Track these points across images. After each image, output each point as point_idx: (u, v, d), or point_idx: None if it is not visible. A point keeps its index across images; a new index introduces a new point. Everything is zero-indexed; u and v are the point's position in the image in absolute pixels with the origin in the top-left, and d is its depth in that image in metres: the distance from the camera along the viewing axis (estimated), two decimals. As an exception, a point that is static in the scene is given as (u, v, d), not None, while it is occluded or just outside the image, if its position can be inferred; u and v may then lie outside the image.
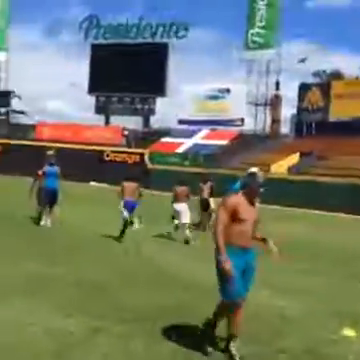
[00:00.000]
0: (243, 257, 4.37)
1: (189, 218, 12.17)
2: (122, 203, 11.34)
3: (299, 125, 42.43)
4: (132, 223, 11.68)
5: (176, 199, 12.26)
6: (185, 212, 12.14)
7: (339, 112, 38.59)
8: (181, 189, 12.33)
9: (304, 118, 41.66)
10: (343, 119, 38.32)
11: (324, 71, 50.11)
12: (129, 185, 11.43)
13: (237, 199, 4.36)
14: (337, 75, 48.13)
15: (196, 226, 14.46)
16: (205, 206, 14.69)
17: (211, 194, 14.82)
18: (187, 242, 11.78)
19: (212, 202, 14.63)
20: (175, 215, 12.41)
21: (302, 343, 4.74)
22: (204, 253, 10.03)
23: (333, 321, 5.88)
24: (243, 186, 4.40)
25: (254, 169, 4.43)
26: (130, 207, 11.39)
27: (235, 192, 4.43)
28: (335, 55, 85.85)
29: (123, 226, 11.28)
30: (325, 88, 40.78)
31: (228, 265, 4.20)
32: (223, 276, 4.28)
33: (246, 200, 4.36)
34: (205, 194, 14.79)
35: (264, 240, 4.60)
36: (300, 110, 42.03)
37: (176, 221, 12.37)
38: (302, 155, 35.68)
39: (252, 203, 4.40)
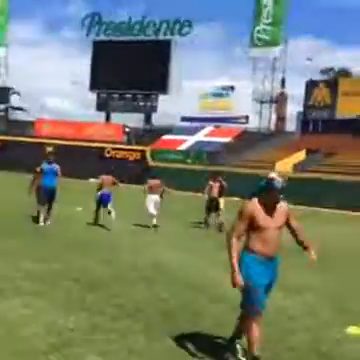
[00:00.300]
0: (270, 266, 4.26)
1: (154, 209, 13.51)
2: (99, 194, 13.08)
3: (305, 122, 42.49)
4: (109, 213, 12.94)
5: (149, 191, 13.63)
6: (155, 202, 13.59)
7: (346, 110, 38.52)
8: (153, 182, 13.75)
9: (310, 115, 41.63)
10: (350, 117, 38.12)
11: (331, 68, 49.95)
12: (107, 178, 13.27)
13: (253, 207, 4.19)
14: (344, 73, 47.95)
15: (205, 224, 14.36)
16: (215, 205, 14.14)
17: (220, 193, 14.30)
18: (155, 226, 13.32)
19: (222, 202, 14.24)
20: (147, 204, 13.65)
21: (308, 342, 4.72)
22: (207, 252, 10.24)
23: (339, 319, 5.84)
24: (260, 192, 4.22)
25: (273, 174, 4.22)
26: (106, 198, 13.02)
27: (256, 196, 4.25)
28: (343, 52, 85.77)
29: (95, 214, 13.17)
30: (332, 85, 40.84)
31: (239, 280, 4.12)
32: (246, 287, 4.19)
33: (264, 207, 4.19)
34: (215, 193, 14.23)
35: (306, 249, 4.47)
36: (306, 107, 42.09)
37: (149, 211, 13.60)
38: (308, 152, 35.74)
39: (272, 209, 4.21)
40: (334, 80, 43.00)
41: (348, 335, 5.33)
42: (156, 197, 13.61)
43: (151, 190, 13.58)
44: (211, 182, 14.39)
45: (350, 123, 37.56)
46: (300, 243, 4.46)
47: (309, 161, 34.05)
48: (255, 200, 4.21)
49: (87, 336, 4.78)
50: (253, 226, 4.17)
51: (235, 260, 4.13)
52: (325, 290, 7.39)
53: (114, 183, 13.35)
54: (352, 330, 5.44)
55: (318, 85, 41.93)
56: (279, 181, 4.12)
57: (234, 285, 4.15)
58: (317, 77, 44.68)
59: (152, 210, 13.45)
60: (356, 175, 27.81)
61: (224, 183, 14.43)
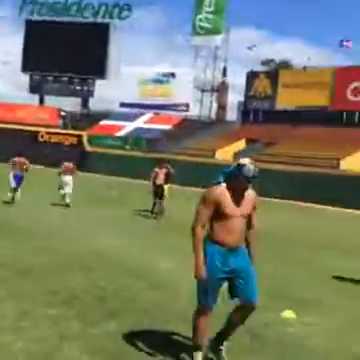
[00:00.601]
0: (232, 256, 4.00)
1: (71, 188, 14.93)
2: (12, 174, 13.96)
3: (246, 112, 43.08)
4: (16, 191, 14.08)
5: (63, 173, 15.06)
6: (69, 183, 14.96)
7: (286, 101, 39.26)
8: (67, 165, 15.31)
9: (251, 105, 42.26)
10: (289, 108, 38.94)
11: (272, 60, 50.80)
12: (19, 160, 14.22)
13: (219, 192, 3.93)
14: (285, 64, 48.90)
15: (151, 212, 14.48)
16: (160, 193, 14.32)
17: (167, 180, 14.49)
18: (68, 205, 14.51)
19: (166, 189, 14.44)
20: (62, 185, 14.94)
21: (243, 325, 4.44)
22: (148, 238, 10.29)
23: (275, 305, 5.86)
24: (228, 178, 3.96)
25: (244, 160, 3.96)
26: (18, 178, 14.00)
27: (224, 182, 3.99)
28: (283, 43, 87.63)
29: (12, 194, 14.01)
30: (273, 77, 41.55)
31: (202, 273, 3.91)
32: (199, 280, 4.01)
33: (231, 194, 3.94)
34: (161, 179, 14.37)
35: (249, 251, 4.21)
36: (247, 97, 42.62)
37: (62, 191, 14.93)
38: (248, 142, 36.38)
39: (240, 197, 3.97)
40: (275, 71, 43.78)
41: (283, 319, 5.40)
42: (70, 178, 15.03)
43: (65, 172, 15.07)
44: (157, 169, 14.56)
45: (289, 114, 38.45)
46: (247, 243, 4.23)
47: (249, 150, 34.60)
48: (223, 186, 3.95)
49: (16, 323, 4.67)
50: (218, 214, 3.93)
51: (200, 251, 3.92)
52: (263, 276, 7.26)
53: (24, 165, 14.24)
54: (287, 314, 5.52)
55: (259, 76, 42.57)
56: (250, 169, 3.88)
57: (197, 277, 3.95)
58: (258, 68, 45.43)
59: (67, 190, 14.78)
60: (295, 165, 28.35)
61: (171, 170, 14.68)
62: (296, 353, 4.52)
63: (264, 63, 49.51)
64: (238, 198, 3.95)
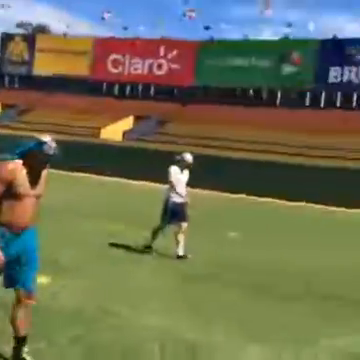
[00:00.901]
0: (15, 241, 3.75)
1: None
2: None
3: (0, 76, 40.66)
4: None
5: None
6: None
7: (44, 67, 38.25)
8: None
9: (6, 69, 40.17)
10: (46, 74, 37.93)
11: (30, 24, 48.43)
12: None
13: (13, 169, 3.68)
14: (42, 28, 47.08)
15: None
16: None
17: None
18: None
19: None
20: None
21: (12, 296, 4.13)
22: None
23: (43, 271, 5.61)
24: (25, 154, 3.74)
25: (45, 137, 3.78)
26: None
27: (14, 159, 3.74)
28: (41, 8, 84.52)
29: None
30: (30, 41, 40.02)
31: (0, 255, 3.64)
32: None
33: (28, 172, 3.73)
34: None
35: None
36: (2, 61, 40.54)
37: None
38: (4, 107, 34.87)
39: (37, 176, 3.79)
40: (32, 36, 42.26)
41: (41, 284, 5.40)
42: None
43: None
44: None
45: (48, 81, 37.28)
46: None
47: (3, 117, 33.23)
48: (18, 162, 3.70)
49: None
50: (9, 192, 3.66)
51: None
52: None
53: None
54: (41, 279, 5.70)
55: (14, 39, 40.60)
56: (51, 147, 3.72)
57: None
58: (13, 30, 43.11)
59: None
60: (54, 133, 27.18)
61: None
62: (42, 315, 4.54)
63: (20, 26, 47.03)
64: (34, 177, 3.77)
